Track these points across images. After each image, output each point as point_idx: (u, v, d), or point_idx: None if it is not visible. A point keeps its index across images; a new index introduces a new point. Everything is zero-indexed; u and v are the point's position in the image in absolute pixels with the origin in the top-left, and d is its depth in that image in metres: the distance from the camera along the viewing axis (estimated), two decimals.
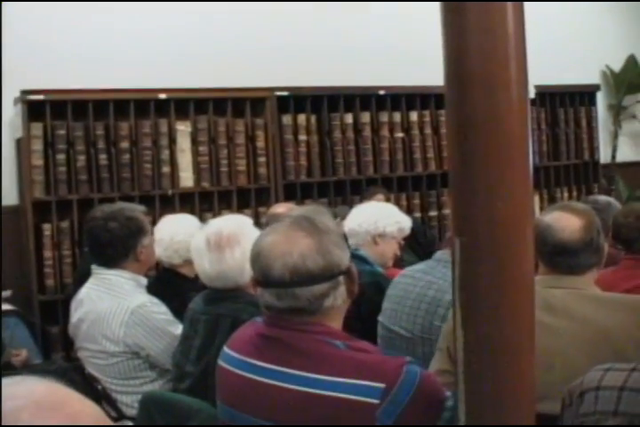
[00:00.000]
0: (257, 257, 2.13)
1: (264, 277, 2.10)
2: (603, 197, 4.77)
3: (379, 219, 4.25)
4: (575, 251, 2.66)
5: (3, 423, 0.93)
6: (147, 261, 3.73)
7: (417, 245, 5.74)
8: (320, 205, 5.24)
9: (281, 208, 4.93)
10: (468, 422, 1.59)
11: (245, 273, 2.99)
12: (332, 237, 2.11)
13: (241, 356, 2.21)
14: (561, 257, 2.66)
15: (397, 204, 6.34)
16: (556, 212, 2.76)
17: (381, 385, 1.96)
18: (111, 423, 1.05)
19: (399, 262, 4.91)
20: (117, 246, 3.59)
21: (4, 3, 5.50)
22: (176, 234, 4.22)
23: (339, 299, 2.12)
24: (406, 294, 3.55)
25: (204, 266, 3.11)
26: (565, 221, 2.68)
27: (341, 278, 2.11)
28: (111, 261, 3.62)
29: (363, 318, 3.84)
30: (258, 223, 4.08)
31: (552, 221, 2.69)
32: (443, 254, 3.62)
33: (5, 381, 1.01)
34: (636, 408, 1.83)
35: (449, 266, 3.66)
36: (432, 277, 3.52)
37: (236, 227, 3.12)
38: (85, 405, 1.03)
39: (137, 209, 3.77)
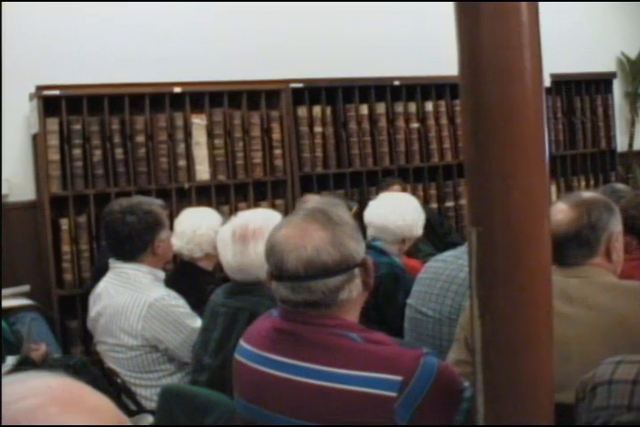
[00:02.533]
0: (271, 250, 2.12)
1: (278, 271, 2.10)
2: (622, 186, 4.74)
3: (415, 223, 4.26)
4: (558, 244, 2.64)
5: (24, 422, 0.90)
6: (164, 255, 3.74)
7: (434, 236, 5.74)
8: (336, 197, 5.24)
9: (311, 199, 4.94)
10: (486, 412, 1.59)
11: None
12: (346, 230, 2.10)
13: (257, 350, 2.21)
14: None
15: (414, 194, 6.31)
16: (559, 203, 2.75)
17: (399, 378, 1.94)
18: (124, 416, 1.03)
19: (416, 253, 4.91)
20: (135, 240, 3.61)
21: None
22: (199, 227, 4.24)
23: (354, 291, 2.10)
24: (436, 277, 3.55)
25: (228, 257, 3.12)
26: (558, 214, 2.68)
27: (357, 271, 2.10)
28: (129, 255, 3.63)
29: (379, 309, 3.84)
30: None
31: (552, 211, 2.69)
32: None
33: (9, 378, 0.98)
34: None
35: None
36: (464, 261, 3.50)
37: (263, 221, 3.11)
38: (99, 398, 1.00)
39: (154, 203, 3.79)
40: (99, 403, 0.99)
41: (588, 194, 2.95)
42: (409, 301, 3.66)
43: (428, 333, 3.45)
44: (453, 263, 3.54)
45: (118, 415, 1.00)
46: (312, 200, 4.94)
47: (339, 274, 2.06)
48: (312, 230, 2.07)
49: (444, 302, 3.47)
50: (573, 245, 2.67)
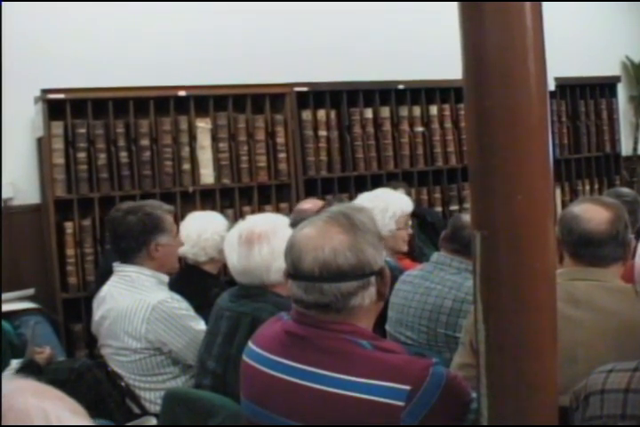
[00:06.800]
0: (290, 249, 2.12)
1: (294, 270, 2.09)
2: (627, 190, 4.74)
3: (385, 216, 4.23)
4: (600, 242, 2.65)
5: (6, 401, 1.08)
6: (163, 260, 3.69)
7: (438, 239, 5.72)
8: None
9: (308, 204, 4.92)
10: (490, 415, 1.59)
11: (272, 272, 3.00)
12: (367, 236, 2.08)
13: (266, 353, 2.20)
14: (586, 248, 2.66)
15: (418, 198, 6.35)
16: (585, 203, 2.76)
17: (407, 387, 1.94)
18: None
19: (420, 256, 4.90)
20: (129, 239, 3.61)
21: (14, 3, 5.52)
22: (204, 231, 4.24)
23: (367, 299, 2.09)
24: (407, 303, 3.53)
25: (233, 260, 3.13)
26: (593, 213, 2.68)
27: (372, 279, 2.08)
28: (125, 255, 3.64)
29: (382, 312, 3.84)
30: None
31: (580, 211, 2.70)
32: (439, 256, 3.60)
33: None
34: None
35: (446, 269, 3.66)
36: (430, 283, 3.49)
37: (270, 225, 3.12)
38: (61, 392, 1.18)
39: (161, 207, 3.76)
40: (62, 394, 1.17)
41: (606, 198, 2.97)
42: (386, 326, 3.64)
43: None
44: (420, 286, 3.52)
45: (79, 406, 1.17)
46: (309, 203, 4.93)
47: (353, 279, 2.05)
48: (333, 233, 2.07)
49: (419, 330, 3.46)
50: (612, 246, 2.67)
